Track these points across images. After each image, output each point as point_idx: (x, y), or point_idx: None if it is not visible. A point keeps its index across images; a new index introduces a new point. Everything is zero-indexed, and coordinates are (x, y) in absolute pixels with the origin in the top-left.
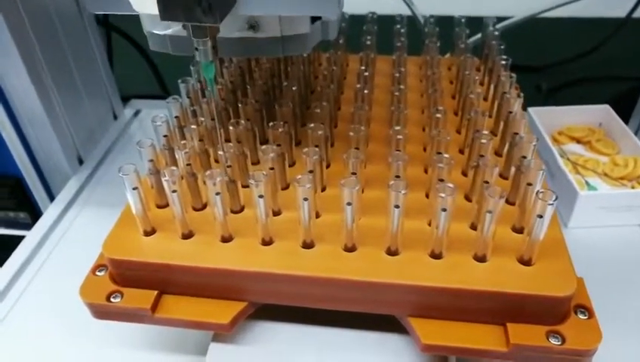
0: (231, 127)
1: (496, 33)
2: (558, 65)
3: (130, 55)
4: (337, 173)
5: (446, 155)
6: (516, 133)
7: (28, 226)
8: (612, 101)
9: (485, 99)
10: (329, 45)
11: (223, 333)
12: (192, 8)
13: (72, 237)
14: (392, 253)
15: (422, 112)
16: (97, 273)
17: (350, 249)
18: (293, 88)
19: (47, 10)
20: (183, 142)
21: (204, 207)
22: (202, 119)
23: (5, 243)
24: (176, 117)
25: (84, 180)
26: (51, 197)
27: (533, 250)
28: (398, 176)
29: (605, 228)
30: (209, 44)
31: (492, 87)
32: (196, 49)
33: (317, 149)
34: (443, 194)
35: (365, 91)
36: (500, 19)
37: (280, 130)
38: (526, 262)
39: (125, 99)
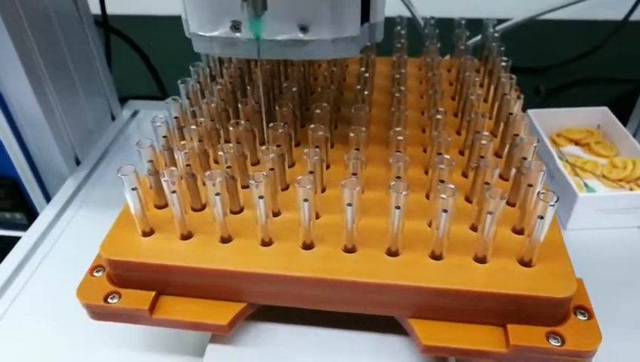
0: (231, 128)
1: (496, 35)
2: (557, 67)
3: (129, 56)
4: (337, 174)
5: (446, 156)
6: (516, 135)
7: (24, 227)
8: (610, 103)
9: (485, 100)
10: None
11: (221, 334)
12: None
13: (69, 237)
14: (392, 254)
15: (422, 114)
16: (95, 274)
17: (350, 250)
18: (294, 89)
19: (46, 10)
20: (182, 142)
21: (204, 207)
22: (202, 120)
23: (1, 244)
24: (175, 117)
25: (81, 181)
26: (48, 198)
27: (534, 251)
28: (398, 177)
29: (604, 230)
30: None
31: (492, 88)
32: (244, 0)
33: (317, 150)
34: (444, 196)
35: (365, 92)
36: (500, 20)
37: (280, 130)
38: (526, 264)
39: (123, 100)
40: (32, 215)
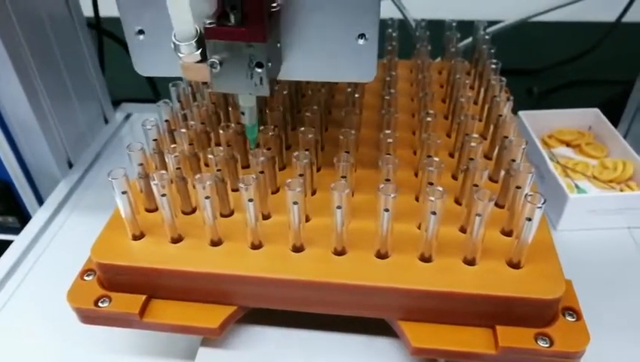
0: (221, 131)
1: (487, 37)
2: (549, 68)
3: (122, 58)
4: (327, 176)
5: (436, 159)
6: (506, 137)
7: (16, 231)
8: (602, 104)
9: (475, 102)
10: None
11: (212, 338)
12: (243, 81)
13: (61, 241)
14: (381, 256)
15: (412, 116)
16: (85, 277)
17: (340, 252)
18: (284, 92)
19: (38, 12)
20: (172, 145)
21: (194, 210)
22: (192, 123)
23: None
24: (166, 120)
25: (74, 184)
26: (40, 201)
27: (522, 252)
28: (388, 180)
29: (594, 230)
30: (255, 108)
31: (482, 90)
32: (242, 113)
33: (307, 153)
34: (432, 198)
35: (356, 95)
36: (491, 23)
37: (270, 133)
38: (515, 265)
39: (116, 103)
40: (24, 218)
